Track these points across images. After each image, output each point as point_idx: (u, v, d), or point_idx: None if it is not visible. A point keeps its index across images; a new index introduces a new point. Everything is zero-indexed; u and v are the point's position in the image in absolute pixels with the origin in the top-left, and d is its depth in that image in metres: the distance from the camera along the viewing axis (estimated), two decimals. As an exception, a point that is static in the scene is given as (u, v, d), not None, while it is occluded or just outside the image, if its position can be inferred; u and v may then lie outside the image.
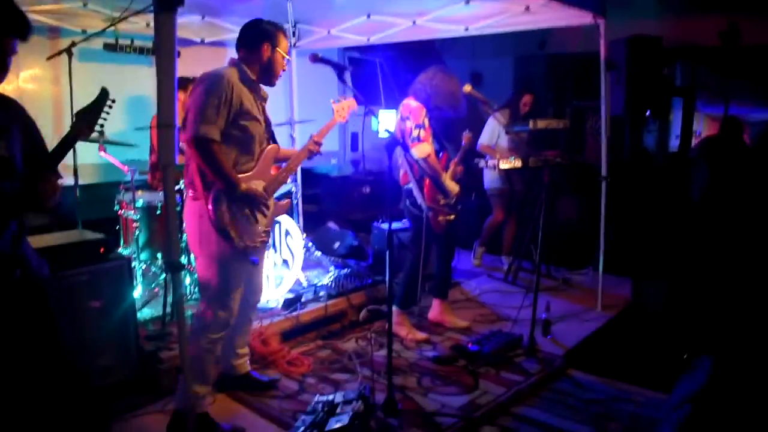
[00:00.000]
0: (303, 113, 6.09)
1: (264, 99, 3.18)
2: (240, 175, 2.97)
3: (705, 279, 4.50)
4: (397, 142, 3.21)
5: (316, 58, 3.15)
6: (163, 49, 2.17)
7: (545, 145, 6.15)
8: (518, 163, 5.34)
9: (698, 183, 6.26)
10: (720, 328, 4.06)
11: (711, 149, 6.24)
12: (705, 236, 5.62)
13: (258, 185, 3.07)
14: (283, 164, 3.31)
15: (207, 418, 3.08)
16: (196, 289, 4.48)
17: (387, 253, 3.19)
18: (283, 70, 3.18)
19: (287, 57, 3.16)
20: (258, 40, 3.05)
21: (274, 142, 3.27)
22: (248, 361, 3.59)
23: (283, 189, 4.80)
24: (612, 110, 5.69)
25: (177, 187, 4.49)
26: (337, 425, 2.91)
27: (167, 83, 2.17)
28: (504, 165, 5.37)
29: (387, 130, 3.23)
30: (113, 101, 2.41)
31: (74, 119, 2.28)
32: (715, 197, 6.15)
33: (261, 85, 3.15)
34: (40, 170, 2.17)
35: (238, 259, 3.01)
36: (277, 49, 3.08)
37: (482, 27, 5.14)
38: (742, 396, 2.87)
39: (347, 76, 3.17)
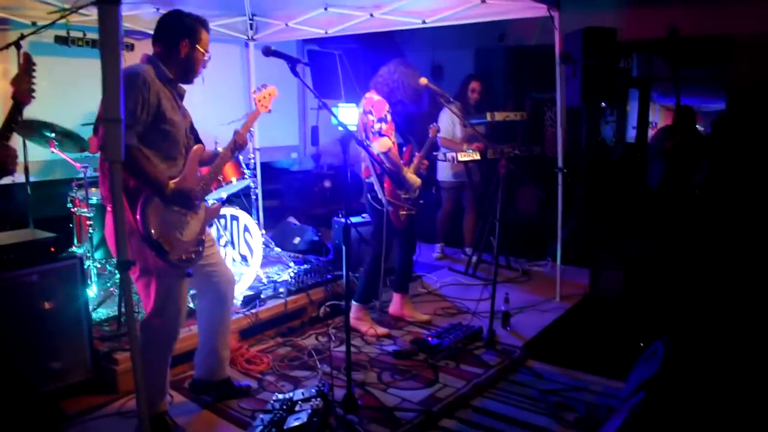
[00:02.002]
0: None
1: (181, 96, 3.02)
2: (170, 182, 2.82)
3: (660, 267, 4.60)
4: (352, 136, 3.18)
5: (269, 51, 3.07)
6: (106, 43, 2.09)
7: (503, 137, 6.20)
8: (476, 155, 5.40)
9: (655, 172, 6.39)
10: (673, 314, 4.16)
11: (666, 139, 6.38)
12: (664, 222, 5.75)
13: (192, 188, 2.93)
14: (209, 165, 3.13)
15: (163, 419, 3.01)
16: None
17: (344, 248, 3.16)
18: (203, 68, 3.01)
19: (207, 53, 2.98)
20: (176, 36, 2.87)
21: (198, 142, 3.15)
22: (227, 366, 3.46)
23: (242, 184, 4.76)
24: (568, 102, 5.77)
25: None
26: (296, 423, 2.89)
27: (112, 77, 2.09)
28: (462, 157, 5.43)
29: (341, 124, 3.18)
30: (35, 65, 2.39)
31: (12, 86, 2.35)
32: (672, 185, 6.30)
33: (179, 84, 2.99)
34: None
35: (173, 272, 2.86)
36: (197, 46, 2.92)
37: (439, 19, 5.14)
38: (695, 379, 2.94)
39: (300, 69, 3.10)
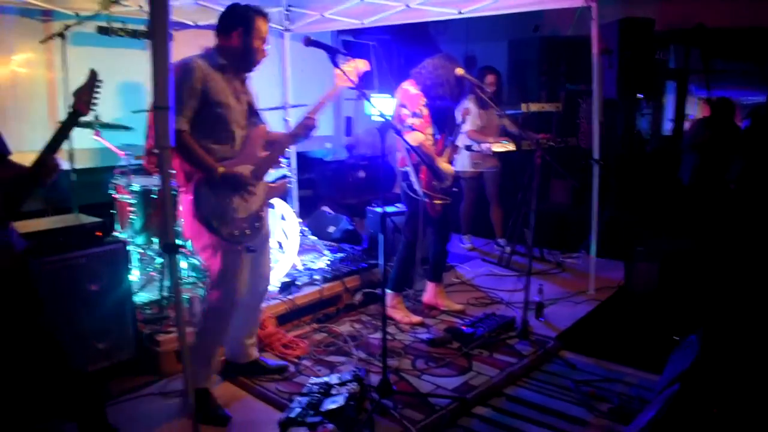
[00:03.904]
0: (297, 97, 6.08)
1: (243, 80, 3.14)
2: (223, 162, 2.95)
3: (696, 259, 4.55)
4: (390, 125, 3.21)
5: (309, 42, 3.12)
6: (157, 33, 2.18)
7: (537, 128, 6.18)
8: (511, 146, 5.39)
9: (688, 166, 6.31)
10: (708, 308, 4.12)
11: (702, 132, 6.29)
12: (698, 217, 5.68)
13: (244, 169, 3.04)
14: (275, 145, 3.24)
15: (206, 394, 3.12)
16: (193, 273, 4.51)
17: (380, 236, 3.21)
18: (263, 56, 3.11)
19: (265, 44, 3.08)
20: (230, 27, 3.01)
21: (262, 123, 3.24)
22: (256, 348, 3.62)
23: (277, 173, 4.83)
24: (604, 93, 5.71)
25: (173, 171, 4.55)
26: (332, 406, 2.96)
27: (161, 66, 2.18)
28: (497, 148, 5.42)
29: (381, 114, 3.21)
30: (101, 81, 2.46)
31: (74, 98, 2.37)
32: (706, 179, 6.22)
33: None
34: (45, 153, 2.24)
35: (230, 247, 3.01)
36: (251, 35, 3.01)
37: (475, 9, 5.14)
38: (730, 373, 2.92)
39: (340, 59, 3.14)
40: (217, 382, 3.38)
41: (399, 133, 3.50)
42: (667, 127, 9.13)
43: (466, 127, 5.90)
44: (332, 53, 3.10)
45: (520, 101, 5.61)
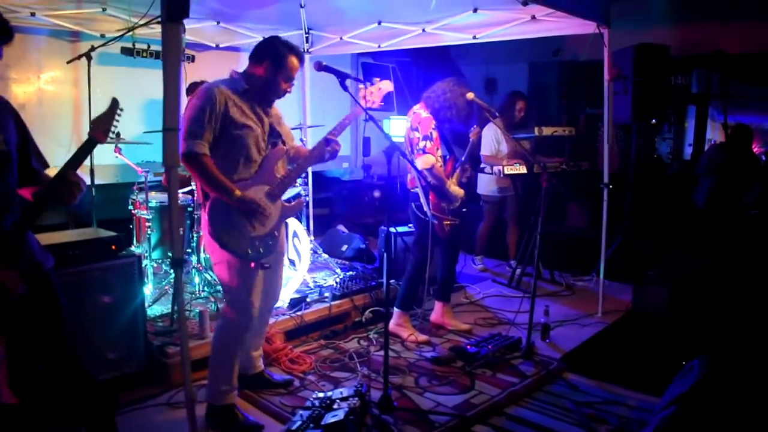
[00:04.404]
0: (315, 118, 6.22)
1: (269, 104, 3.24)
2: (239, 184, 3.04)
3: (706, 285, 4.56)
4: (396, 148, 3.30)
5: (320, 67, 3.24)
6: (168, 57, 2.30)
7: (554, 152, 6.23)
8: (522, 169, 5.46)
9: (704, 189, 6.30)
10: (716, 333, 4.12)
11: (718, 157, 6.29)
12: (709, 242, 5.67)
13: (258, 191, 3.12)
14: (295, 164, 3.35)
15: (232, 409, 3.22)
16: (205, 288, 4.63)
17: (384, 254, 3.29)
18: (284, 94, 3.20)
19: (291, 82, 3.18)
20: (262, 57, 3.11)
21: (283, 143, 3.32)
22: (262, 361, 3.71)
23: (292, 192, 4.94)
24: (619, 118, 5.77)
25: (188, 189, 4.69)
26: (333, 420, 3.03)
27: (172, 89, 2.30)
28: (508, 170, 5.49)
29: (387, 136, 3.31)
30: (122, 109, 2.56)
31: (91, 126, 2.45)
32: (721, 203, 6.20)
33: None
34: (64, 169, 2.33)
35: (244, 264, 3.09)
36: (280, 71, 3.09)
37: (489, 35, 5.23)
38: (730, 399, 2.93)
39: (349, 84, 3.25)
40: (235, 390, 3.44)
41: (404, 155, 3.59)
42: (688, 151, 9.11)
43: (484, 151, 6.00)
44: (342, 78, 3.21)
45: (540, 125, 5.68)
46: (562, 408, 3.50)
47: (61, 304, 2.48)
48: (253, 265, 3.12)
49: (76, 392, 2.60)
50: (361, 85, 3.46)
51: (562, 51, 9.10)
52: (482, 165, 5.87)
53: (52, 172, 2.56)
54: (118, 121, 2.53)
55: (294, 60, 3.14)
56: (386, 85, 3.50)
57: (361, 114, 3.40)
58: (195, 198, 4.64)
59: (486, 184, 6.23)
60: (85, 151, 2.40)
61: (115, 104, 2.48)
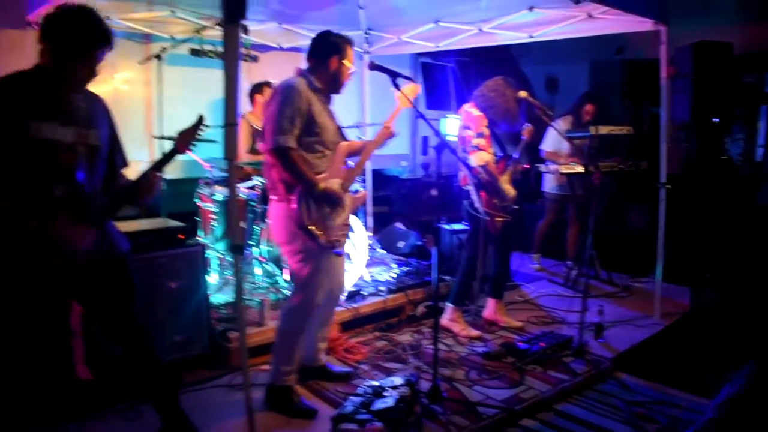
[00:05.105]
0: (374, 116, 6.36)
1: (329, 102, 3.43)
2: (318, 176, 3.23)
3: (761, 286, 4.45)
4: (446, 145, 3.39)
5: (373, 66, 3.38)
6: (228, 57, 2.46)
7: (615, 151, 6.16)
8: (579, 168, 5.44)
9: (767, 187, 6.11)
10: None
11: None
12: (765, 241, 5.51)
13: (335, 183, 3.30)
14: (356, 158, 3.51)
15: (289, 391, 3.40)
16: (267, 279, 4.81)
17: (434, 250, 3.39)
18: (350, 79, 3.42)
19: (353, 69, 3.39)
20: (327, 53, 3.30)
21: (345, 140, 3.51)
22: (324, 355, 3.84)
23: (352, 186, 5.08)
24: (678, 117, 5.67)
25: (251, 184, 4.89)
26: (382, 406, 3.13)
27: (231, 87, 2.46)
28: (564, 170, 5.48)
29: (437, 133, 3.41)
30: (206, 125, 2.76)
31: (177, 137, 2.69)
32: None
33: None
34: (147, 171, 2.58)
35: (323, 252, 3.27)
36: (344, 61, 3.32)
37: (545, 33, 5.25)
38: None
39: (400, 82, 3.36)
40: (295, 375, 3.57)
41: (455, 153, 3.68)
42: (761, 152, 8.80)
43: (545, 146, 6.01)
44: (393, 76, 3.32)
45: (602, 124, 5.63)
46: (612, 406, 3.51)
47: (134, 284, 2.69)
48: (330, 253, 3.30)
49: (144, 369, 2.80)
50: (392, 89, 3.55)
51: (625, 49, 8.95)
52: (538, 164, 5.87)
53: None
54: (200, 135, 2.73)
55: (351, 48, 3.38)
56: (413, 88, 3.58)
57: (407, 106, 3.53)
58: (257, 192, 4.84)
59: (548, 182, 6.23)
60: (167, 158, 2.64)
61: (200, 121, 2.73)
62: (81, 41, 2.34)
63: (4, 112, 2.25)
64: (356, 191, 5.07)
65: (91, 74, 2.43)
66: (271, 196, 3.35)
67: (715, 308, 4.50)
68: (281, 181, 3.23)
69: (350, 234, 4.94)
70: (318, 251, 3.25)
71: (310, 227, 3.17)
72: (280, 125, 3.10)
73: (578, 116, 5.98)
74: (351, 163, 3.52)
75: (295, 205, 3.16)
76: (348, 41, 3.38)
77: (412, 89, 3.55)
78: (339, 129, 3.45)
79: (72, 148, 2.39)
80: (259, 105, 5.45)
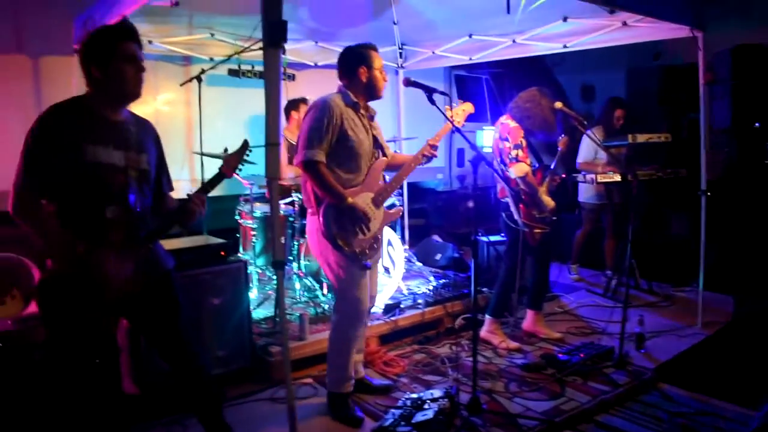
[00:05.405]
0: (410, 130, 6.42)
1: (372, 117, 3.51)
2: (350, 190, 3.31)
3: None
4: (482, 158, 3.42)
5: (408, 83, 3.45)
6: (269, 79, 2.53)
7: (653, 159, 6.09)
8: (617, 177, 5.39)
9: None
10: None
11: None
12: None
13: (366, 197, 3.39)
14: (395, 173, 3.59)
15: (345, 398, 3.50)
16: (305, 293, 4.89)
17: (471, 262, 3.41)
18: (385, 81, 3.49)
19: (383, 72, 3.46)
20: (354, 66, 3.39)
21: (384, 155, 3.58)
22: (362, 367, 3.88)
23: (388, 201, 5.14)
24: (719, 123, 5.58)
25: (289, 200, 4.98)
26: (422, 419, 3.17)
27: (273, 107, 2.53)
28: (602, 179, 5.44)
29: (473, 146, 3.44)
30: (250, 150, 2.86)
31: (223, 161, 2.80)
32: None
33: (369, 104, 3.49)
34: (194, 194, 2.69)
35: (353, 264, 3.35)
36: (373, 67, 3.40)
37: (580, 43, 5.25)
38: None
39: (436, 98, 3.41)
40: (317, 393, 3.69)
41: (491, 165, 3.70)
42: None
43: (579, 157, 5.98)
44: (428, 92, 3.37)
45: (641, 131, 5.58)
46: (654, 418, 3.47)
47: (179, 300, 2.77)
48: (360, 264, 3.35)
49: (190, 384, 2.87)
50: (447, 106, 3.65)
51: (662, 55, 8.85)
52: (575, 175, 5.83)
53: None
54: (246, 159, 2.82)
55: (376, 53, 3.45)
56: (468, 107, 3.74)
57: (457, 125, 3.62)
58: (295, 208, 4.93)
59: (584, 191, 6.20)
60: (214, 181, 2.76)
61: (245, 145, 2.83)
62: (104, 41, 2.44)
63: (61, 137, 2.34)
64: (392, 205, 5.15)
65: (138, 73, 2.50)
66: (308, 210, 3.45)
67: (759, 316, 4.41)
68: (313, 194, 3.33)
69: (388, 248, 5.02)
70: (347, 262, 3.33)
71: (335, 239, 3.26)
72: (310, 139, 3.20)
73: (609, 124, 5.95)
74: (387, 177, 3.59)
75: (322, 218, 3.26)
76: (369, 47, 3.45)
77: (465, 108, 3.63)
78: (376, 143, 3.51)
79: (124, 171, 2.49)
80: (295, 121, 5.56)
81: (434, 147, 3.59)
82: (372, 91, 3.45)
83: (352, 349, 3.50)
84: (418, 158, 3.58)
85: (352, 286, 3.38)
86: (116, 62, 2.44)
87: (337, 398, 3.49)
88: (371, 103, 3.52)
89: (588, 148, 5.96)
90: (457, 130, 3.48)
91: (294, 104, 5.65)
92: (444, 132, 3.65)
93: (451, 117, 3.61)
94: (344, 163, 3.32)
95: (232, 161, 2.79)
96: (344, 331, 3.45)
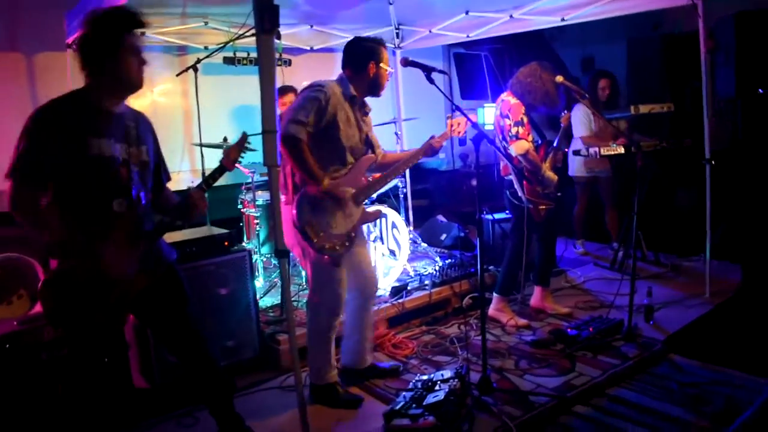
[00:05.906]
0: (408, 111, 6.37)
1: (366, 113, 3.47)
2: (330, 181, 3.22)
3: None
4: (484, 136, 3.38)
5: (406, 62, 3.40)
6: (264, 66, 2.50)
7: (655, 129, 6.03)
8: (620, 149, 5.34)
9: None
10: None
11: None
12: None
13: (346, 190, 3.32)
14: (386, 170, 3.52)
15: (332, 387, 3.47)
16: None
17: (477, 241, 3.39)
18: (388, 81, 3.44)
19: (391, 70, 3.42)
20: (364, 60, 3.32)
21: (373, 152, 3.53)
22: (371, 353, 3.84)
23: (390, 185, 5.10)
24: (723, 92, 5.51)
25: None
26: (434, 400, 3.15)
27: (268, 94, 2.50)
28: (605, 151, 5.39)
29: (474, 125, 3.40)
30: (249, 143, 2.84)
31: (223, 154, 2.78)
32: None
33: (365, 99, 3.44)
34: (195, 189, 2.67)
35: (319, 257, 3.28)
36: (381, 64, 3.35)
37: (578, 16, 5.18)
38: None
39: (435, 77, 3.36)
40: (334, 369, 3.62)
41: (493, 143, 3.67)
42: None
43: (579, 132, 5.92)
44: (427, 71, 3.33)
45: (644, 102, 5.52)
46: (665, 389, 3.46)
47: (186, 292, 2.76)
48: (327, 258, 3.28)
49: (201, 375, 2.87)
50: (449, 114, 3.62)
51: (662, 24, 8.75)
52: (580, 147, 5.78)
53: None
54: (245, 151, 2.80)
55: (384, 48, 3.40)
56: (464, 121, 3.62)
57: (456, 135, 3.64)
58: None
59: (575, 166, 6.14)
60: (215, 176, 2.74)
61: (244, 138, 2.80)
62: (110, 31, 2.38)
63: (63, 131, 2.31)
64: (372, 201, 5.08)
65: (141, 65, 2.47)
66: (282, 197, 3.32)
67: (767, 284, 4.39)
68: (291, 178, 3.25)
69: (393, 231, 5.00)
70: (316, 255, 3.26)
71: (304, 228, 3.18)
72: (296, 115, 3.11)
73: (595, 96, 5.86)
74: (369, 177, 3.53)
75: (294, 207, 3.19)
76: (380, 42, 3.40)
77: (461, 122, 3.59)
78: (366, 140, 3.46)
79: (127, 163, 2.47)
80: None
81: (438, 145, 3.57)
82: (375, 89, 3.40)
83: (330, 338, 3.46)
84: (416, 156, 3.54)
85: (323, 278, 3.34)
86: (123, 54, 2.41)
87: (324, 389, 3.45)
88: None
89: (586, 121, 5.90)
90: (457, 108, 3.44)
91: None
92: (446, 137, 3.61)
93: (451, 126, 3.58)
94: (329, 153, 3.26)
95: (232, 154, 2.77)
96: (319, 323, 3.41)
